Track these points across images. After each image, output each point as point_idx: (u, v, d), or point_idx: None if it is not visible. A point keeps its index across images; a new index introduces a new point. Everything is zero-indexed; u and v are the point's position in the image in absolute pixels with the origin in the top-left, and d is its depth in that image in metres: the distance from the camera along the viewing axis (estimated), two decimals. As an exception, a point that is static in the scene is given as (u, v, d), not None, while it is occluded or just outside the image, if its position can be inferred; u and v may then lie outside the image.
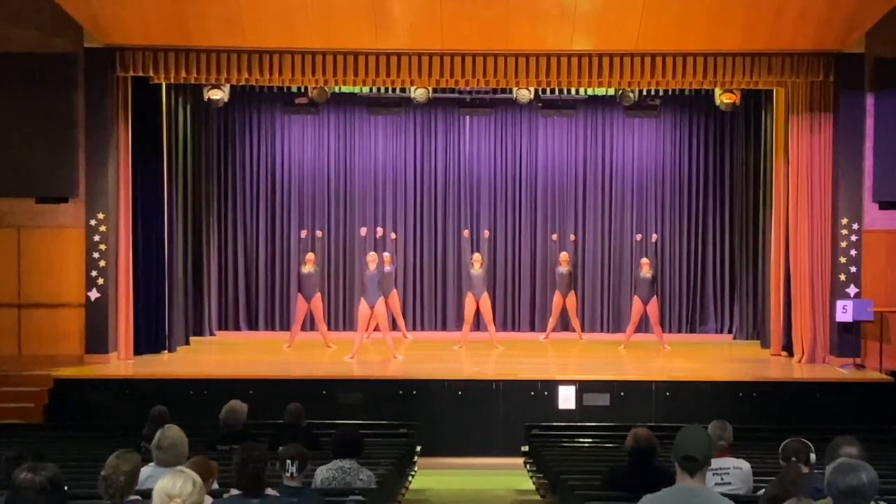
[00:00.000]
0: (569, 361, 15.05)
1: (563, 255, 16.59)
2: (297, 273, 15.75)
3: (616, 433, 9.91)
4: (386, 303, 14.74)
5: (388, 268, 15.42)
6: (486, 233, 16.74)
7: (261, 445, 5.76)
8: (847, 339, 13.75)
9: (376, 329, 15.31)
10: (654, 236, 16.76)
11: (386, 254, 15.89)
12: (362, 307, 14.31)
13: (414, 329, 17.61)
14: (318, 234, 16.34)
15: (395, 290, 16.26)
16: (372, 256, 14.46)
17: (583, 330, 17.05)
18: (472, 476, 11.51)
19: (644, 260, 15.65)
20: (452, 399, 12.41)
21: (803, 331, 14.14)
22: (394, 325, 16.14)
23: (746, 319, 17.34)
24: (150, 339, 14.71)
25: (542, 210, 18.15)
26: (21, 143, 13.69)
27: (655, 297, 15.66)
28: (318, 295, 15.62)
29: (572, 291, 16.63)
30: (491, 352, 15.31)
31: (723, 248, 18.00)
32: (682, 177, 18.07)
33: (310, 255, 15.61)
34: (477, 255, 15.77)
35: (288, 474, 5.98)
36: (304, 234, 16.25)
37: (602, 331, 17.82)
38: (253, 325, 17.99)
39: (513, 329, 17.87)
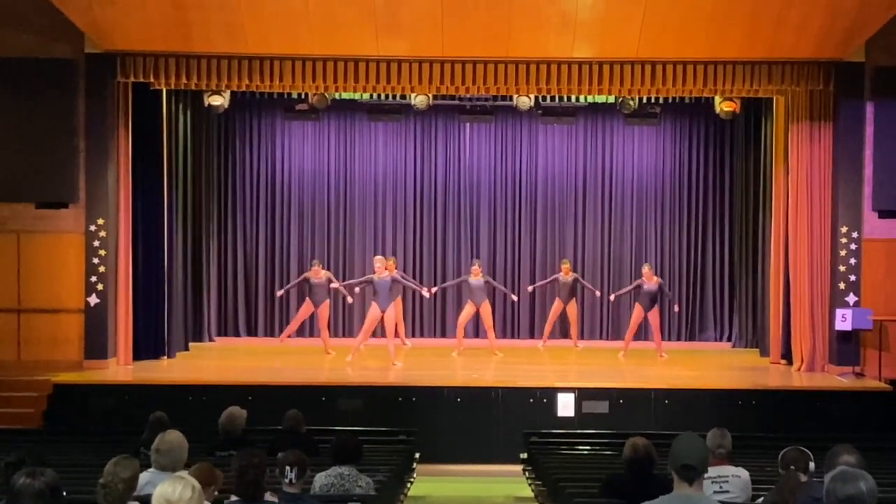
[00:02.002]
0: (568, 369, 15.03)
1: (566, 265, 16.52)
2: (307, 280, 15.68)
3: (615, 441, 9.87)
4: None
5: (396, 273, 15.34)
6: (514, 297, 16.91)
7: (260, 452, 5.76)
8: (846, 347, 13.75)
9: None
10: (676, 308, 16.64)
11: (392, 259, 15.87)
12: (373, 310, 14.44)
13: (413, 336, 17.61)
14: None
15: (399, 296, 16.19)
16: (380, 262, 14.51)
17: (581, 338, 16.98)
18: (470, 483, 11.50)
19: (646, 269, 15.63)
20: (451, 406, 12.41)
21: (802, 339, 14.13)
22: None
23: (746, 327, 17.34)
24: (149, 344, 14.72)
25: (542, 217, 18.17)
26: (21, 148, 13.70)
27: (657, 306, 15.66)
28: (327, 302, 15.65)
29: (574, 300, 16.60)
30: (490, 359, 15.31)
31: (722, 256, 18.02)
32: (682, 184, 18.09)
33: (317, 266, 15.59)
34: (476, 267, 15.82)
35: (287, 480, 5.99)
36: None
37: (601, 338, 17.80)
38: (252, 331, 17.99)
39: (512, 336, 17.86)
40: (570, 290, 16.38)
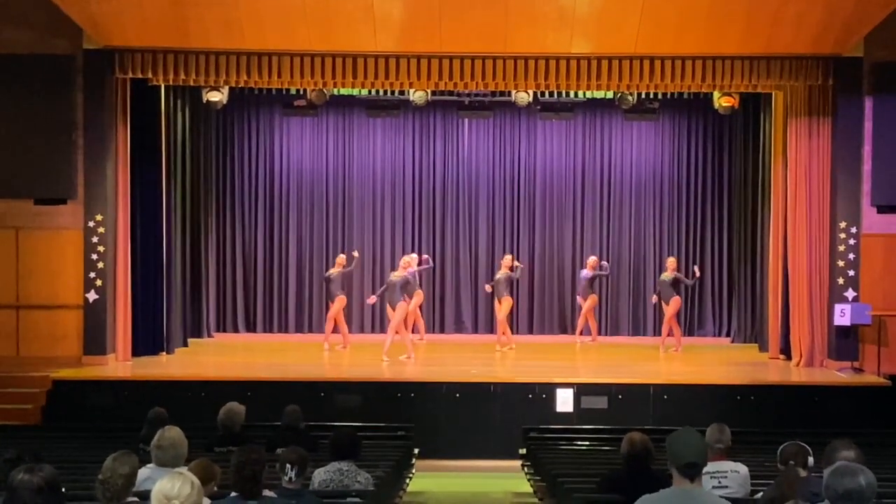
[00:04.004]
0: (567, 364, 15.03)
1: (592, 260, 16.60)
2: (329, 276, 15.81)
3: (614, 436, 9.90)
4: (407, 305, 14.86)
5: (411, 270, 15.24)
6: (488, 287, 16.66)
7: (258, 448, 5.75)
8: (845, 342, 13.74)
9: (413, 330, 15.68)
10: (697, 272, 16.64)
11: (407, 257, 15.84)
12: (389, 311, 14.58)
13: (410, 331, 17.56)
14: (355, 254, 16.30)
15: (418, 292, 16.17)
16: (403, 261, 14.87)
17: (581, 334, 16.98)
18: (469, 478, 11.49)
19: (669, 260, 15.89)
20: (450, 401, 12.40)
21: (801, 334, 14.13)
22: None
23: (744, 322, 17.34)
24: (148, 340, 14.70)
25: (541, 212, 18.17)
26: (20, 144, 13.69)
27: (677, 296, 15.72)
28: (341, 297, 15.61)
29: (592, 294, 16.61)
30: (492, 354, 15.32)
31: (721, 251, 18.02)
32: (681, 180, 18.09)
33: (339, 258, 15.78)
34: (505, 259, 16.05)
35: (287, 478, 5.98)
36: (355, 254, 16.27)
37: (599, 333, 17.76)
38: (251, 327, 17.99)
39: (511, 332, 17.82)
40: (589, 284, 16.45)
